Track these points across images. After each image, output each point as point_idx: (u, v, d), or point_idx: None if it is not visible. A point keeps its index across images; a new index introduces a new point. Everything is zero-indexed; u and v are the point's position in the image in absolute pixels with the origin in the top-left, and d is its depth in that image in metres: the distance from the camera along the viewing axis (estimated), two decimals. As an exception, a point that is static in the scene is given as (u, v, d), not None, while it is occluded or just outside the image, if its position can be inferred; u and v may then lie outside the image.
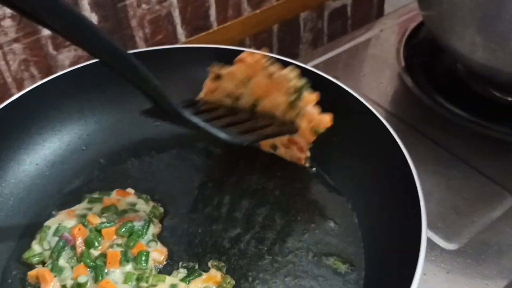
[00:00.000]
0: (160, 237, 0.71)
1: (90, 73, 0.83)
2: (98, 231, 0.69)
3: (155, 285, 0.64)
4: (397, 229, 0.65)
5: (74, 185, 0.78)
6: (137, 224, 0.70)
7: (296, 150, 0.76)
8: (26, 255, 0.69)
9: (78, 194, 0.75)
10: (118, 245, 0.68)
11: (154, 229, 0.71)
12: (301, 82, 0.71)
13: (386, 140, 0.70)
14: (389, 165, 0.70)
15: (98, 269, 0.65)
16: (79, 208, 0.73)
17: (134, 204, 0.73)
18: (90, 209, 0.72)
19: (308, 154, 0.76)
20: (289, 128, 0.72)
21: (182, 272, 0.66)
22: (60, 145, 0.81)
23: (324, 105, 0.77)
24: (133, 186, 0.76)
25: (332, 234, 0.71)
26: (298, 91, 0.71)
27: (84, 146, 0.82)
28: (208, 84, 0.76)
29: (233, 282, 0.65)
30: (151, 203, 0.74)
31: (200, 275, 0.65)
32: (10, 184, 0.75)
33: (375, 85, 0.97)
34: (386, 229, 0.67)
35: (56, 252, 0.67)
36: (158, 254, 0.68)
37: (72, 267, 0.66)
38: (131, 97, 0.83)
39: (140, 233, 0.69)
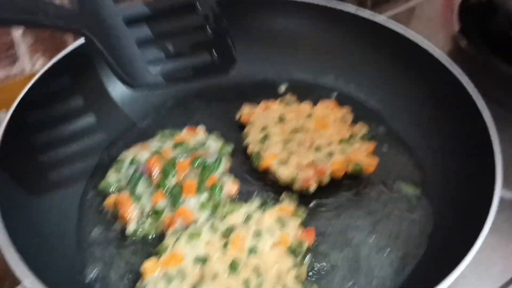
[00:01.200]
0: (231, 172, 0.73)
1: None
2: (173, 164, 0.71)
3: (231, 212, 0.66)
4: (468, 179, 0.68)
5: (145, 122, 0.81)
6: (209, 160, 0.72)
7: (312, 172, 0.71)
8: (102, 184, 0.71)
9: (150, 130, 0.78)
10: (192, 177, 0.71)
11: (225, 164, 0.73)
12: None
13: (459, 92, 0.72)
14: (465, 123, 0.71)
15: (175, 197, 0.68)
16: (152, 142, 0.75)
17: (204, 141, 0.75)
18: (162, 144, 0.75)
19: (325, 180, 0.71)
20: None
21: (257, 202, 0.68)
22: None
23: (394, 58, 0.80)
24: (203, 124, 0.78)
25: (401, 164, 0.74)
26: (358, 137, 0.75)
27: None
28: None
29: (305, 212, 0.68)
30: (221, 140, 0.76)
31: (273, 205, 0.68)
32: (86, 116, 0.78)
33: (432, 46, 0.98)
34: (457, 178, 0.70)
35: (133, 182, 0.70)
36: (230, 187, 0.71)
37: (150, 194, 0.69)
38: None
39: (212, 167, 0.71)
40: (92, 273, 0.65)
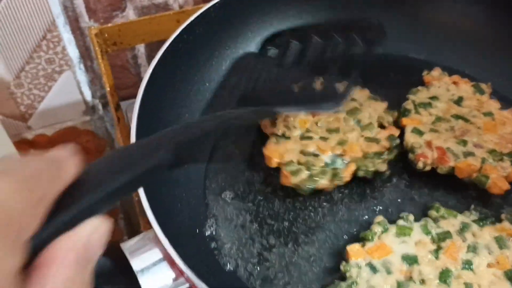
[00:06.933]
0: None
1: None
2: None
3: (445, 218, 0.61)
4: None
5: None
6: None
7: (435, 154, 0.64)
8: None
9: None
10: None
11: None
12: None
13: None
14: None
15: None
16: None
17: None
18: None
19: (441, 170, 0.64)
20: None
21: (474, 215, 0.62)
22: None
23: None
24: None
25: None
26: None
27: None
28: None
29: None
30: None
31: (493, 223, 0.61)
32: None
33: None
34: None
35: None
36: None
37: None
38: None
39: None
40: (211, 230, 0.61)
